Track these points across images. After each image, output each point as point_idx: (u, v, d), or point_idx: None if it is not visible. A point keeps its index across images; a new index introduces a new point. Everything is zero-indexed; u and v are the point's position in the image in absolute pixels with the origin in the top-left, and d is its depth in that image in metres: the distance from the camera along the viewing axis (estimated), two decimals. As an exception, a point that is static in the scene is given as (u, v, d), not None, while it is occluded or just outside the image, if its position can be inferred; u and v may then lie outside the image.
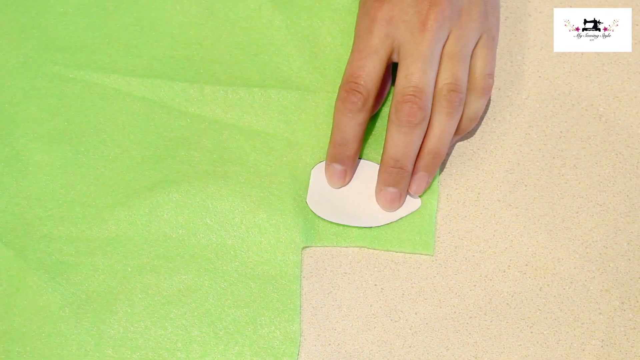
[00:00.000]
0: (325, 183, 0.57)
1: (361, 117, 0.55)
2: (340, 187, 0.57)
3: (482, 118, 0.59)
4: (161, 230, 0.55)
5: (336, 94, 0.57)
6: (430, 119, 0.55)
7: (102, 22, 0.60)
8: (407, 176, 0.56)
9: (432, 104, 0.54)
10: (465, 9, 0.54)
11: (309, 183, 0.57)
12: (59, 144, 0.57)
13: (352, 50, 0.55)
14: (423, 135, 0.55)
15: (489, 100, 0.60)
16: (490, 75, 0.56)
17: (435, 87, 0.54)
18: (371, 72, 0.54)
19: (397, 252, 0.56)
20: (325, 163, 0.57)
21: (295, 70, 0.60)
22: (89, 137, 0.57)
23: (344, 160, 0.56)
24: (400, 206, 0.56)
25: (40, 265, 0.54)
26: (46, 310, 0.53)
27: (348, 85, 0.54)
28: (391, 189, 0.56)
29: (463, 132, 0.57)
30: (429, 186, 0.56)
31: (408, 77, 0.54)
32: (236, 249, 0.55)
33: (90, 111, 0.58)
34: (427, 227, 0.56)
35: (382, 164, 0.56)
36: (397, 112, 0.54)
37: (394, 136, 0.54)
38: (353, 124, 0.55)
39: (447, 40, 0.54)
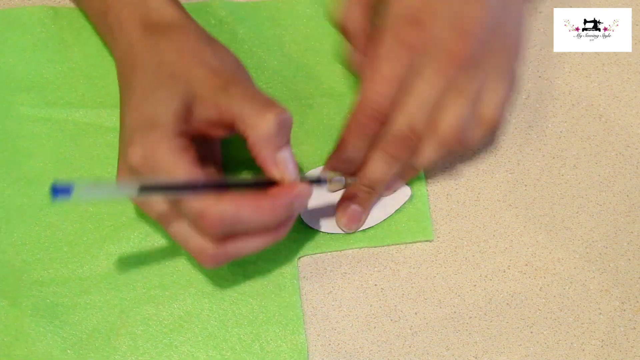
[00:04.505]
0: (314, 194, 0.55)
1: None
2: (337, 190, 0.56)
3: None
4: (153, 259, 0.55)
5: (310, 102, 0.57)
6: (420, 148, 0.53)
7: (62, 56, 0.59)
8: (376, 199, 0.55)
9: (424, 138, 0.53)
10: (490, 62, 0.51)
11: None
12: (37, 186, 0.56)
13: (372, 69, 0.51)
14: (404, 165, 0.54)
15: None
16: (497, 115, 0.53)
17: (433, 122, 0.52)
18: (392, 99, 0.52)
19: (398, 244, 0.56)
20: (324, 168, 0.55)
21: (265, 81, 0.59)
22: (67, 174, 0.56)
23: (344, 173, 0.55)
24: (359, 227, 0.56)
25: (36, 310, 0.53)
26: (49, 355, 0.52)
27: (370, 112, 0.52)
28: (356, 207, 0.55)
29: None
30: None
31: (411, 116, 0.52)
32: (231, 268, 0.55)
33: (64, 148, 0.57)
34: (422, 214, 0.56)
35: (357, 181, 0.55)
36: (388, 143, 0.52)
37: (377, 162, 0.53)
38: (365, 148, 0.53)
39: (459, 84, 0.51)
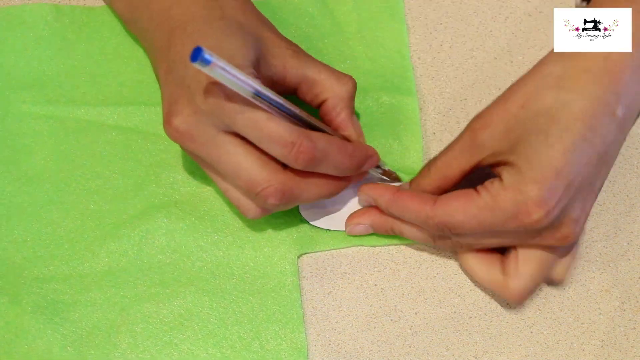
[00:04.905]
0: None
1: None
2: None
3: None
4: (154, 257, 0.55)
5: None
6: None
7: (65, 54, 0.59)
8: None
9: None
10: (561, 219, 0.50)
11: None
12: (38, 183, 0.56)
13: (473, 212, 0.50)
14: None
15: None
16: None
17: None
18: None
19: (397, 245, 0.56)
20: (368, 191, 0.55)
21: None
22: (68, 172, 0.56)
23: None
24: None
25: (36, 308, 0.53)
26: (48, 352, 0.52)
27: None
28: (369, 229, 0.55)
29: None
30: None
31: (472, 245, 0.53)
32: (232, 266, 0.55)
33: (66, 146, 0.57)
34: None
35: (389, 218, 0.55)
36: (442, 239, 0.53)
37: (420, 234, 0.53)
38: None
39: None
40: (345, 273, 0.56)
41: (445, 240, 0.53)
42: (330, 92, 0.52)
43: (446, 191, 0.52)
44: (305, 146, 0.47)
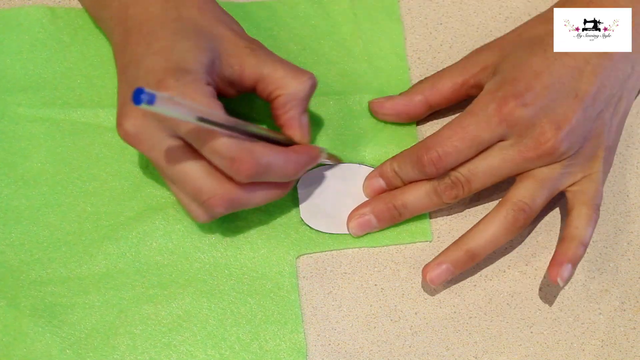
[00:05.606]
0: (313, 194, 0.56)
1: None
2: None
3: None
4: (152, 258, 0.54)
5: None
6: (484, 221, 0.54)
7: (60, 56, 0.58)
8: (395, 223, 0.55)
9: (497, 209, 0.53)
10: (586, 150, 0.53)
11: (297, 194, 0.56)
12: (35, 186, 0.55)
13: (459, 121, 0.53)
14: None
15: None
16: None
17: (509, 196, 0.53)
18: (461, 159, 0.53)
19: (397, 245, 0.56)
20: (371, 175, 0.56)
21: None
22: (65, 175, 0.56)
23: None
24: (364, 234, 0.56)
25: (34, 310, 0.53)
26: (47, 355, 0.52)
27: (435, 158, 0.52)
28: (373, 219, 0.55)
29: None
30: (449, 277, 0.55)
31: (475, 176, 0.53)
32: (230, 267, 0.55)
33: (62, 148, 0.56)
34: (421, 215, 0.56)
35: (388, 195, 0.55)
36: (440, 182, 0.53)
37: (419, 191, 0.54)
38: (409, 178, 0.54)
39: (551, 164, 0.53)
40: (345, 273, 0.56)
41: (445, 184, 0.53)
42: (283, 89, 0.51)
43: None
44: (246, 162, 0.47)
